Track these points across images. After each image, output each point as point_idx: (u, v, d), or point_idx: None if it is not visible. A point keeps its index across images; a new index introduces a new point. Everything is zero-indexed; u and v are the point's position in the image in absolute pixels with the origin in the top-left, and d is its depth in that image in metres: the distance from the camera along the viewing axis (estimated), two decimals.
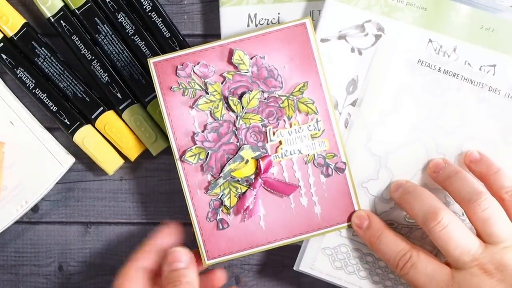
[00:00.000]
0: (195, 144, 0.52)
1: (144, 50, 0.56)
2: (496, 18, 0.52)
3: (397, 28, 0.53)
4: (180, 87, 0.52)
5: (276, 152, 0.52)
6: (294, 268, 0.55)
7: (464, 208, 0.49)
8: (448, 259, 0.48)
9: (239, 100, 0.52)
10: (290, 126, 0.52)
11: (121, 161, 0.57)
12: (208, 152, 0.52)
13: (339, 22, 0.53)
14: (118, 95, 0.56)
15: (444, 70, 0.53)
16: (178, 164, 0.52)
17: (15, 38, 0.55)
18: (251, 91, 0.52)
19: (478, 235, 0.48)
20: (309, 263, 0.54)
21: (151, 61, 0.52)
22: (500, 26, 0.52)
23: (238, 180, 0.53)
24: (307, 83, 0.52)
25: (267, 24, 0.55)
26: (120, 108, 0.56)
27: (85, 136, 0.56)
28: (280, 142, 0.52)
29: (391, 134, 0.53)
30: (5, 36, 0.56)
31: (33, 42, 0.55)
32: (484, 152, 0.52)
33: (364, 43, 0.53)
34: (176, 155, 0.52)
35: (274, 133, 0.52)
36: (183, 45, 0.56)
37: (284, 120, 0.52)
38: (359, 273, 0.54)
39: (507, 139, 0.52)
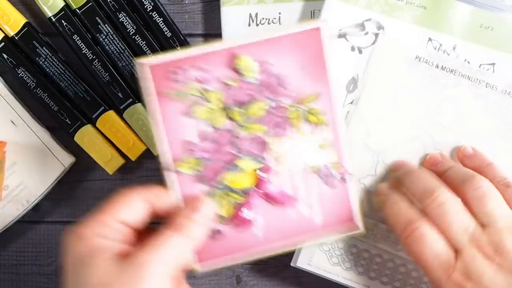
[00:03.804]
0: (191, 154, 0.49)
1: (145, 50, 0.56)
2: (495, 17, 0.52)
3: (397, 27, 0.53)
4: (177, 93, 0.48)
5: (279, 162, 0.51)
6: (292, 264, 0.55)
7: (459, 193, 0.48)
8: (447, 238, 0.47)
9: (242, 109, 0.49)
10: (297, 136, 0.50)
11: (122, 161, 0.57)
12: (205, 163, 0.49)
13: (339, 20, 0.53)
14: (119, 94, 0.56)
15: (442, 66, 0.53)
16: (172, 175, 0.48)
17: (16, 38, 0.55)
18: (256, 100, 0.49)
19: (474, 218, 0.47)
20: (306, 259, 0.55)
21: (145, 64, 0.46)
22: (500, 24, 0.52)
23: (235, 191, 0.50)
24: (318, 94, 0.49)
25: (268, 23, 0.55)
26: (121, 107, 0.56)
27: (86, 136, 0.56)
28: (285, 152, 0.51)
29: (389, 130, 0.53)
30: (6, 35, 0.56)
31: (34, 41, 0.55)
32: (481, 148, 0.52)
33: (364, 41, 0.54)
34: (168, 166, 0.48)
35: (278, 143, 0.50)
36: (184, 45, 0.56)
37: (291, 130, 0.50)
38: (356, 269, 0.54)
39: (504, 136, 0.53)
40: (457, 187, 0.48)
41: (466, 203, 0.48)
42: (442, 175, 0.51)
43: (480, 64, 0.53)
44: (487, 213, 0.47)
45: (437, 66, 0.53)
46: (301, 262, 0.55)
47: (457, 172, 0.49)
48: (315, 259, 0.54)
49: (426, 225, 0.47)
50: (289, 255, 0.57)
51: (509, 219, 0.46)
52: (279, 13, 0.55)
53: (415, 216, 0.48)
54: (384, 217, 0.52)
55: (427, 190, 0.48)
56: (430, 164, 0.52)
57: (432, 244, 0.47)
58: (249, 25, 0.56)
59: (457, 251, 0.47)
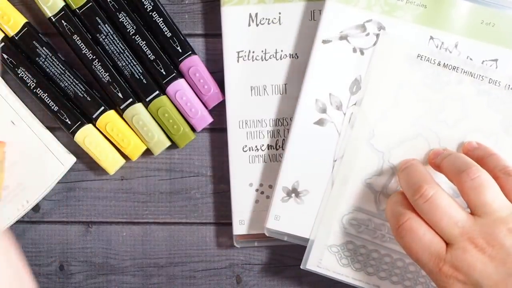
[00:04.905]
0: None
1: (145, 50, 0.56)
2: (496, 13, 0.52)
3: (397, 27, 0.53)
4: None
5: None
6: (301, 266, 0.54)
7: (455, 182, 0.48)
8: (437, 233, 0.47)
9: None
10: None
11: (122, 161, 0.57)
12: None
13: (340, 22, 0.54)
14: (119, 94, 0.56)
15: (444, 64, 0.53)
16: None
17: (16, 38, 0.55)
18: None
19: (469, 208, 0.47)
20: (315, 262, 0.54)
21: None
22: (501, 20, 0.52)
23: None
24: None
25: (268, 24, 0.55)
26: (121, 107, 0.56)
27: (86, 136, 0.56)
28: None
29: (393, 129, 0.53)
30: (6, 35, 0.56)
31: (34, 41, 0.55)
32: (486, 143, 0.52)
33: (366, 43, 0.54)
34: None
35: None
36: (184, 45, 0.56)
37: None
38: (366, 269, 0.54)
39: (509, 130, 0.52)
40: (454, 177, 0.48)
41: (463, 193, 0.47)
42: (440, 164, 0.50)
43: (483, 61, 0.53)
44: (483, 204, 0.46)
45: (439, 64, 0.53)
46: (311, 265, 0.54)
47: (455, 161, 0.49)
48: (325, 261, 0.54)
49: (415, 218, 0.47)
50: (289, 255, 0.57)
51: (505, 210, 0.46)
52: (279, 13, 0.55)
53: (404, 210, 0.48)
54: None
55: (415, 185, 0.48)
56: (431, 158, 0.52)
57: (421, 237, 0.47)
58: (249, 25, 0.56)
59: (448, 244, 0.46)
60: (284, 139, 0.56)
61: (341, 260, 0.54)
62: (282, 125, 0.56)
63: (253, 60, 0.56)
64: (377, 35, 0.53)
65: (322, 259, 0.54)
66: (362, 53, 0.54)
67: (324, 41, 0.54)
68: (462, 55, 0.53)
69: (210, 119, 0.57)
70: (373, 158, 0.53)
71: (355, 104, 0.54)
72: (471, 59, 0.53)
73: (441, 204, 0.46)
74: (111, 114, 0.56)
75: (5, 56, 0.55)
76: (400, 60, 0.53)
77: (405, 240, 0.47)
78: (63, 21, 0.55)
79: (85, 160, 0.58)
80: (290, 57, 0.56)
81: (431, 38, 0.53)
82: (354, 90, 0.54)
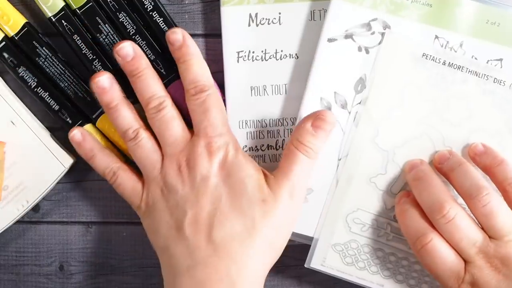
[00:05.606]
0: None
1: (145, 50, 0.56)
2: (501, 13, 0.52)
3: (403, 26, 0.53)
4: None
5: None
6: (305, 265, 0.55)
7: (466, 202, 0.49)
8: (456, 251, 0.49)
9: None
10: None
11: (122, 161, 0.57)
12: None
13: (346, 21, 0.54)
14: None
15: (449, 63, 0.53)
16: None
17: (16, 38, 0.56)
18: None
19: (483, 230, 0.49)
20: (320, 260, 0.54)
21: None
22: (506, 20, 0.52)
23: None
24: None
25: (268, 24, 0.55)
26: None
27: None
28: None
29: (397, 128, 0.53)
30: (6, 35, 0.56)
31: (34, 41, 0.56)
32: (490, 143, 0.52)
33: (371, 41, 0.54)
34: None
35: None
36: None
37: None
38: (370, 268, 0.54)
39: None
40: (465, 198, 0.50)
41: (475, 215, 0.49)
42: (448, 174, 0.51)
43: (488, 60, 0.53)
44: (495, 229, 0.48)
45: (444, 63, 0.53)
46: (315, 263, 0.55)
47: (464, 180, 0.50)
48: (329, 259, 0.54)
49: (437, 238, 0.49)
50: (290, 255, 0.57)
51: None
52: (279, 13, 0.55)
53: (426, 228, 0.50)
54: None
55: (436, 204, 0.49)
56: (437, 162, 0.52)
57: (444, 257, 0.49)
58: (249, 25, 0.56)
59: (466, 262, 0.49)
60: (284, 139, 0.56)
61: (345, 258, 0.54)
62: (282, 125, 0.56)
63: (253, 60, 0.55)
64: (383, 34, 0.53)
65: (326, 258, 0.54)
66: (367, 52, 0.54)
67: (329, 40, 0.54)
68: (467, 54, 0.53)
69: None
70: (378, 157, 0.53)
71: (360, 103, 0.54)
72: (476, 58, 0.53)
73: (461, 225, 0.49)
74: None
75: (6, 56, 0.56)
76: (405, 59, 0.53)
77: (427, 260, 0.49)
78: (63, 21, 0.55)
79: (85, 160, 0.58)
80: (290, 57, 0.55)
81: (436, 37, 0.53)
82: (359, 89, 0.54)
